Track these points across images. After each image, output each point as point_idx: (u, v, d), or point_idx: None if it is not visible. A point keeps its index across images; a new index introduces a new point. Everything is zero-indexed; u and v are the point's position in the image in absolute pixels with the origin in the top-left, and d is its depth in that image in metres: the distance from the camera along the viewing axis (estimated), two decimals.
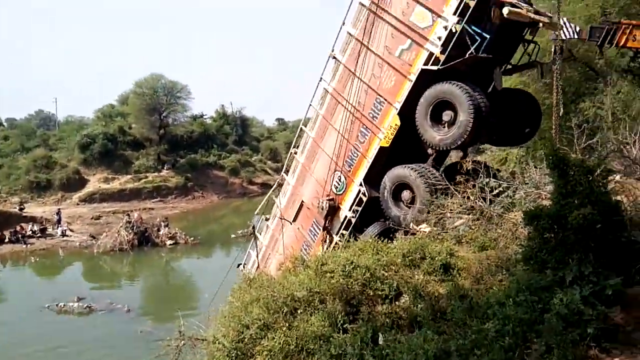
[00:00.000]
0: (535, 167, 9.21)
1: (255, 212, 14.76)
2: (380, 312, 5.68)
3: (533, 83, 16.58)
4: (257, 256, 14.23)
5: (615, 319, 4.26)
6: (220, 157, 54.32)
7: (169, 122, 53.30)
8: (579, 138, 9.06)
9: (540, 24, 9.65)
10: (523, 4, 9.44)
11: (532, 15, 9.23)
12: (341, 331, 5.45)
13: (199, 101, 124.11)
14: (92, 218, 36.89)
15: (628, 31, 13.60)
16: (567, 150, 9.10)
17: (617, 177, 8.18)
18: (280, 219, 12.84)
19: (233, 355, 5.75)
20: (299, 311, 5.94)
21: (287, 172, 13.28)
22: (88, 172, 45.87)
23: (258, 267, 14.00)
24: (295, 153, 12.70)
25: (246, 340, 5.79)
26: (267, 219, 14.04)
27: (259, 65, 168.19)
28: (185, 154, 51.83)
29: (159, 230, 30.63)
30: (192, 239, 30.86)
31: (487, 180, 8.32)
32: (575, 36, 13.60)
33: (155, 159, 49.07)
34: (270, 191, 14.27)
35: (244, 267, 14.64)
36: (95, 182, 44.69)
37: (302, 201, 12.30)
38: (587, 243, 4.63)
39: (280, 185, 13.75)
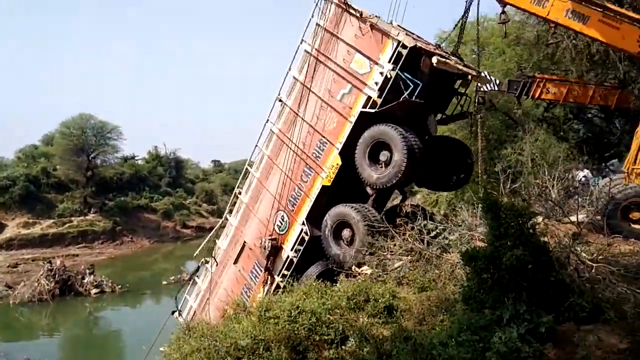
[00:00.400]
0: (466, 210, 9.72)
1: (195, 255, 14.35)
2: (327, 357, 5.63)
3: (459, 131, 17.77)
4: (195, 302, 13.74)
5: (549, 355, 4.49)
6: (152, 200, 52.32)
7: (98, 163, 50.99)
8: (505, 182, 9.74)
9: (469, 77, 10.54)
10: (452, 57, 10.36)
11: (460, 67, 10.06)
12: None
13: (132, 142, 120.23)
14: (8, 266, 33.85)
15: (542, 85, 15.24)
16: (495, 194, 9.80)
17: (540, 219, 8.88)
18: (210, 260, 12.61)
19: None
20: None
21: (229, 213, 13.12)
22: (6, 216, 42.11)
23: (195, 313, 13.53)
24: (240, 193, 12.63)
25: None
26: (206, 262, 13.68)
27: (196, 107, 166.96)
28: (115, 197, 49.32)
29: (83, 278, 28.52)
30: (119, 286, 29.04)
31: (425, 222, 8.66)
32: (496, 88, 14.95)
33: (82, 202, 46.28)
34: (212, 233, 14.01)
35: (179, 314, 14.03)
36: (14, 227, 41.17)
37: (245, 242, 12.12)
38: (520, 283, 4.90)
39: (222, 226, 13.57)
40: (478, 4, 11.20)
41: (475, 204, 12.82)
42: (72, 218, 43.89)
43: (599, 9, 9.44)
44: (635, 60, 12.66)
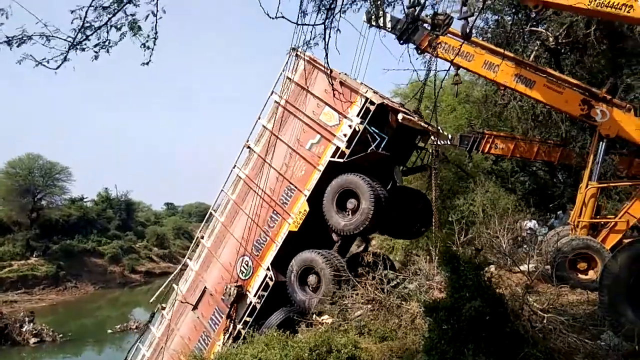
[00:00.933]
0: (423, 257, 10.04)
1: (150, 301, 13.91)
2: None
3: (414, 181, 18.53)
4: (148, 350, 13.22)
5: None
6: (99, 243, 49.96)
7: (44, 205, 48.64)
8: (459, 233, 10.25)
9: (431, 133, 11.30)
10: (415, 115, 11.10)
11: (422, 124, 10.87)
12: None
13: (83, 184, 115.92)
14: None
15: (491, 140, 16.34)
16: (451, 244, 10.28)
17: (492, 268, 9.37)
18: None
19: None
20: None
21: (189, 257, 12.94)
22: None
23: None
24: (202, 238, 12.52)
25: None
26: (162, 309, 13.30)
27: (150, 149, 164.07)
28: (60, 240, 46.82)
29: (21, 326, 26.48)
30: (60, 335, 27.12)
31: (385, 272, 8.92)
32: (449, 142, 15.88)
33: (24, 245, 43.44)
34: (170, 277, 13.67)
35: None
36: None
37: (205, 287, 11.91)
38: (479, 333, 5.11)
39: (182, 270, 13.32)
40: (436, 67, 12.07)
41: (430, 251, 13.34)
42: (13, 262, 41.03)
43: (543, 75, 10.44)
44: (576, 121, 13.88)
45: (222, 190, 12.16)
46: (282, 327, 8.66)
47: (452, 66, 11.74)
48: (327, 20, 4.64)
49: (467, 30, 9.23)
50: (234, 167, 11.97)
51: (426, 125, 11.12)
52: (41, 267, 41.69)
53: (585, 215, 10.01)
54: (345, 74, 10.45)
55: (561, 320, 5.98)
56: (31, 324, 26.90)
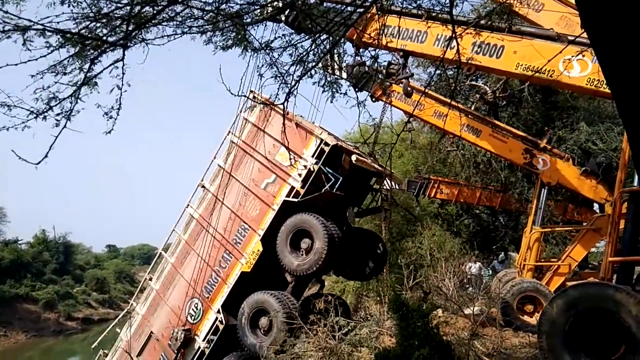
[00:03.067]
0: (373, 300, 10.11)
1: (93, 347, 13.14)
2: None
3: (365, 224, 18.95)
4: None
5: None
6: (33, 288, 46.57)
7: None
8: (408, 277, 10.45)
9: (384, 176, 11.68)
10: (368, 157, 11.44)
11: (376, 166, 11.17)
12: None
13: (19, 226, 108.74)
14: None
15: (436, 186, 17.12)
16: (400, 288, 10.47)
17: (440, 312, 9.58)
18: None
19: None
20: None
21: (136, 300, 12.38)
22: None
23: None
24: (150, 279, 12.06)
25: None
26: (105, 355, 12.61)
27: (90, 189, 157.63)
28: None
29: None
30: None
31: (337, 319, 8.76)
32: (397, 187, 16.48)
33: None
34: (114, 322, 13.03)
35: None
36: None
37: (151, 332, 11.39)
38: None
39: (126, 315, 12.75)
40: (391, 114, 12.67)
41: (380, 294, 13.49)
42: None
43: (489, 125, 11.15)
44: (515, 169, 14.79)
45: (173, 229, 11.87)
46: None
47: (405, 115, 12.42)
48: (287, 95, 4.95)
49: (408, 89, 9.94)
50: (187, 207, 11.77)
51: (380, 168, 11.46)
52: None
53: (530, 259, 10.42)
54: (301, 116, 10.68)
55: None
56: None
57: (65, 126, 4.34)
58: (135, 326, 11.95)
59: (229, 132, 11.53)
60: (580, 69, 7.94)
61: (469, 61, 8.16)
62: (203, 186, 11.65)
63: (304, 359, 8.39)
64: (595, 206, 11.98)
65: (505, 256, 17.11)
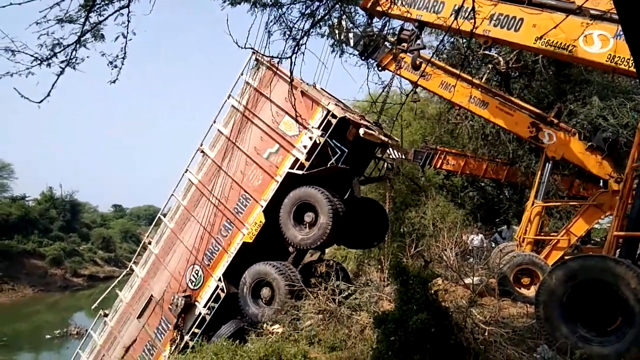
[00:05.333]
0: (374, 268, 10.16)
1: (93, 307, 13.34)
2: None
3: (369, 193, 18.87)
4: (89, 358, 12.68)
5: None
6: (41, 245, 47.54)
7: None
8: (410, 245, 10.39)
9: (390, 146, 11.41)
10: (375, 128, 11.11)
11: (383, 137, 10.86)
12: None
13: (26, 183, 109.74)
14: None
15: (443, 156, 16.91)
16: (402, 256, 10.45)
17: (440, 281, 9.60)
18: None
19: None
20: None
21: (135, 263, 12.39)
22: None
23: None
24: (149, 243, 12.01)
25: None
26: (105, 315, 12.78)
27: (98, 149, 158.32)
28: None
29: None
30: None
31: (338, 283, 8.88)
32: (403, 156, 16.28)
33: None
34: (114, 283, 13.16)
35: None
36: None
37: (152, 295, 11.45)
38: (424, 345, 5.24)
39: (127, 276, 12.83)
40: (400, 84, 12.32)
41: (381, 261, 13.51)
42: None
43: (496, 97, 10.89)
44: (523, 142, 14.54)
45: (172, 194, 11.67)
46: (233, 338, 8.51)
47: (411, 84, 12.07)
48: (295, 48, 4.77)
49: (417, 62, 9.58)
50: (185, 172, 11.49)
51: (386, 139, 11.18)
52: None
53: (530, 232, 10.48)
54: (308, 83, 10.30)
55: (501, 332, 6.22)
56: None
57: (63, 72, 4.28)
58: (134, 288, 12.02)
59: (229, 95, 11.08)
60: (601, 45, 7.62)
61: (487, 33, 7.84)
62: (202, 151, 11.33)
63: (304, 321, 8.49)
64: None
65: (508, 229, 17.04)
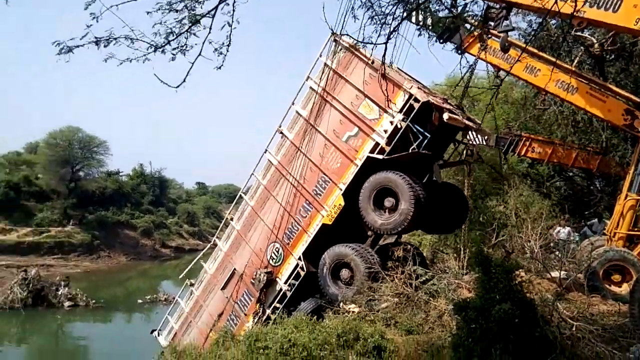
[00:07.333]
0: (452, 256, 9.98)
1: (180, 277, 14.34)
2: None
3: (447, 179, 18.40)
4: (177, 323, 13.67)
5: None
6: (133, 217, 51.70)
7: (81, 176, 50.62)
8: (490, 235, 10.05)
9: (473, 130, 11.00)
10: (458, 111, 10.73)
11: (466, 122, 10.47)
12: None
13: (120, 159, 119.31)
14: None
15: (528, 143, 16.06)
16: (483, 246, 10.17)
17: (523, 273, 9.29)
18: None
19: None
20: None
21: (218, 238, 13.09)
22: None
23: (176, 334, 13.35)
24: (232, 219, 12.58)
25: None
26: (191, 284, 13.67)
27: (184, 128, 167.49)
28: (95, 211, 48.63)
29: (57, 289, 27.60)
30: (93, 301, 28.28)
31: (415, 267, 8.91)
32: (484, 142, 15.66)
33: (61, 213, 45.40)
34: (200, 255, 13.99)
35: (159, 334, 13.96)
36: None
37: (234, 269, 12.08)
38: (507, 335, 5.20)
39: (211, 249, 13.53)
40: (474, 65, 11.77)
41: (458, 249, 13.22)
42: (50, 228, 42.98)
43: (586, 82, 10.19)
44: (618, 130, 13.48)
45: (252, 174, 12.08)
46: (313, 313, 8.85)
47: (494, 69, 11.54)
48: (387, 38, 4.83)
49: (506, 44, 9.08)
50: (265, 152, 11.79)
51: (470, 123, 10.75)
52: (77, 235, 43.64)
53: (622, 227, 9.90)
54: (389, 65, 10.13)
55: (590, 329, 6.01)
56: (66, 288, 28.01)
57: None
58: (218, 261, 12.69)
59: (308, 77, 11.11)
60: None
61: (581, 14, 7.32)
62: (281, 132, 11.50)
63: (380, 302, 8.64)
64: None
65: (599, 222, 15.96)
